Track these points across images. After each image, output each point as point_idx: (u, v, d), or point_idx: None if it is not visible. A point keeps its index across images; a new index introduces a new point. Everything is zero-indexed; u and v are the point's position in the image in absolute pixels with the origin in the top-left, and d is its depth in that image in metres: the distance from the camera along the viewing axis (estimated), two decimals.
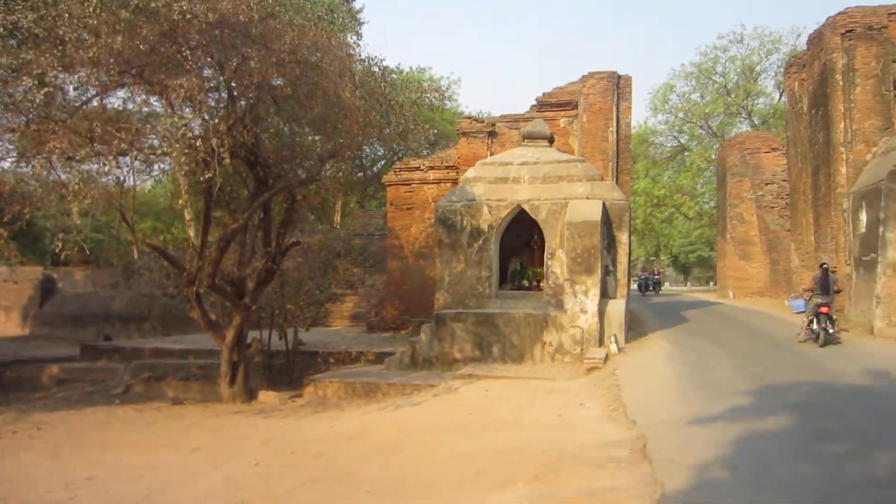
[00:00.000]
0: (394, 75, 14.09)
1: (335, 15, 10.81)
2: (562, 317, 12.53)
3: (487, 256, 13.39)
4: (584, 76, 16.47)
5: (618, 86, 16.36)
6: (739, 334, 14.58)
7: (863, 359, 10.89)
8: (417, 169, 18.21)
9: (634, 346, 12.83)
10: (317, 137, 13.83)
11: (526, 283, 14.33)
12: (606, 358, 11.66)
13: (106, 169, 9.65)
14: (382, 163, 33.64)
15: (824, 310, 12.15)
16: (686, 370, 10.47)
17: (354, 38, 16.94)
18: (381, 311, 19.52)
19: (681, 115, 40.25)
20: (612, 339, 12.38)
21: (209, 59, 10.13)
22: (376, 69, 11.70)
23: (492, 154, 16.73)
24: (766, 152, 26.51)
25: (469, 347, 12.85)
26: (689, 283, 59.82)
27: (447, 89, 37.33)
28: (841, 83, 15.73)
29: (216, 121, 9.38)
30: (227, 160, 9.26)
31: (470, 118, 18.17)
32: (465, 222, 13.51)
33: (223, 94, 11.25)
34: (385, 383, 11.70)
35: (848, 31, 15.73)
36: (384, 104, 11.30)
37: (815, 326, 12.33)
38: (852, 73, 15.49)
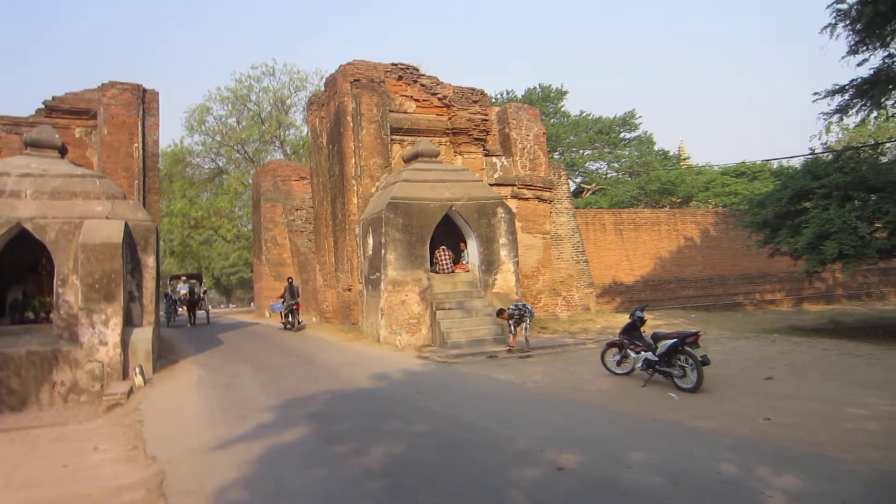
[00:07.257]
0: None
1: None
2: (77, 351, 11.11)
3: None
4: (104, 84, 14.95)
5: (143, 100, 15.37)
6: (270, 352, 15.21)
7: (370, 365, 12.53)
8: None
9: (164, 376, 12.13)
10: None
11: (31, 315, 12.36)
12: (131, 392, 10.75)
13: None
14: None
15: (296, 307, 19.61)
16: (215, 394, 10.35)
17: None
18: None
19: (218, 137, 40.42)
20: (138, 370, 11.49)
21: None
22: None
23: None
24: (296, 180, 28.68)
25: None
26: (231, 306, 60.30)
27: None
28: (351, 124, 18.01)
29: None
30: None
31: None
32: None
33: None
34: None
35: (356, 81, 18.11)
36: None
37: (290, 319, 19.55)
38: (360, 117, 17.89)
